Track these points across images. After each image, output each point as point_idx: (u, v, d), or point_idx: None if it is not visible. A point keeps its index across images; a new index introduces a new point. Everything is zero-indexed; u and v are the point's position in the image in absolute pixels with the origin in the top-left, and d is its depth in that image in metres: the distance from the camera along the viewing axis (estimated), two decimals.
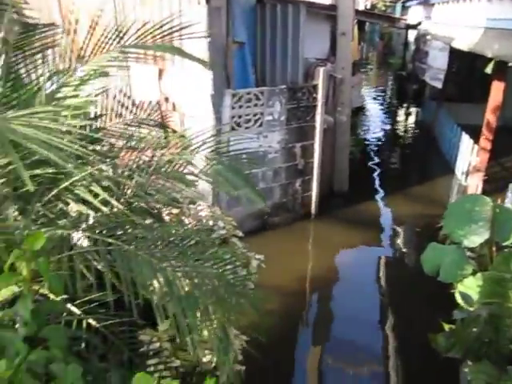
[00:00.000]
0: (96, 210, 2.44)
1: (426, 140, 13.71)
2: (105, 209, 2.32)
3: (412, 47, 18.37)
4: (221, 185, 2.61)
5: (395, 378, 5.42)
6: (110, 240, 2.32)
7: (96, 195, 2.75)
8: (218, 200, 7.11)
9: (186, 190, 3.37)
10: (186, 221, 3.87)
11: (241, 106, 7.21)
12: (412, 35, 18.32)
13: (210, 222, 3.81)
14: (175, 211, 4.00)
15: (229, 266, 3.08)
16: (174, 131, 3.53)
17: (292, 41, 8.43)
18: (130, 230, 2.88)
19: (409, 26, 15.36)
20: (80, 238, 3.26)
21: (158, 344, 3.27)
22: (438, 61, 11.68)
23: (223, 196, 7.26)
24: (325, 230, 8.51)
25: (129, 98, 3.96)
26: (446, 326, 4.95)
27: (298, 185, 8.31)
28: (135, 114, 3.74)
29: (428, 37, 13.08)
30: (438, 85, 11.69)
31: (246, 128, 7.30)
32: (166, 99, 7.04)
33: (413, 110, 17.30)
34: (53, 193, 2.37)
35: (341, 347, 5.83)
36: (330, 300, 7.07)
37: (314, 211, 8.61)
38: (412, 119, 16.70)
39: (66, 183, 2.29)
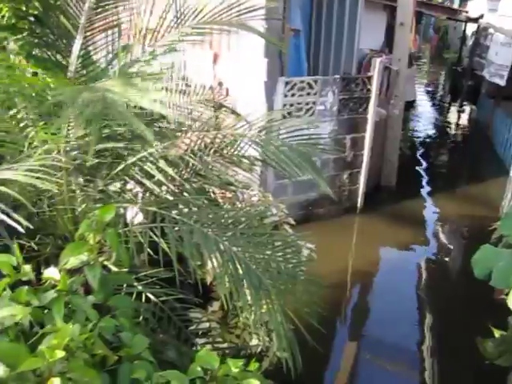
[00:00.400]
0: (160, 186, 2.48)
1: (479, 139, 13.15)
2: (171, 186, 2.34)
3: (470, 41, 17.57)
4: (287, 167, 2.58)
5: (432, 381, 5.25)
6: (176, 216, 2.34)
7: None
8: (265, 187, 7.10)
9: (243, 174, 3.38)
10: (239, 205, 3.87)
11: (293, 95, 7.14)
12: (470, 29, 17.50)
13: (262, 208, 3.80)
14: (228, 195, 4.02)
15: (280, 253, 3.07)
16: (238, 114, 3.52)
17: (348, 30, 8.25)
18: (185, 210, 2.92)
19: (469, 19, 14.67)
20: (135, 215, 3.34)
21: (207, 324, 3.32)
22: (500, 56, 11.10)
23: (270, 184, 7.24)
24: (369, 225, 8.34)
25: (184, 80, 4.00)
26: (497, 333, 4.75)
27: (345, 177, 8.18)
28: (195, 95, 3.76)
29: (490, 30, 12.44)
30: (500, 82, 11.12)
31: (298, 117, 7.22)
32: (220, 84, 7.06)
33: (466, 107, 16.61)
34: (120, 167, 2.42)
35: (377, 345, 5.70)
36: (369, 297, 6.95)
37: (360, 205, 8.46)
38: (465, 117, 16.04)
39: (134, 158, 2.33)
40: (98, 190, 2.68)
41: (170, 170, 2.30)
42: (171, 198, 2.96)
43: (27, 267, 1.95)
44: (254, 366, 1.87)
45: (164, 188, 3.06)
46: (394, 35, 8.92)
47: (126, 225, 3.17)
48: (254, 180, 6.88)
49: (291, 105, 7.20)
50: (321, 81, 7.31)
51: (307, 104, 7.32)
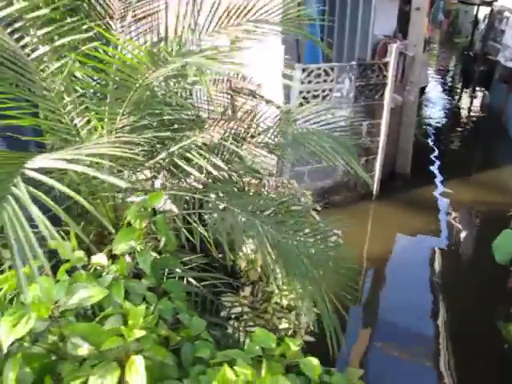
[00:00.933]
0: (206, 173, 2.53)
1: (493, 125, 13.05)
2: (215, 172, 2.39)
3: (482, 25, 17.34)
4: (326, 155, 2.61)
5: (447, 367, 5.27)
6: (219, 202, 2.38)
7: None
8: (282, 175, 7.13)
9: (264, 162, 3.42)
10: (265, 192, 3.92)
11: (310, 82, 7.12)
12: (483, 12, 17.27)
13: (291, 195, 3.85)
14: (253, 182, 4.06)
15: (310, 239, 3.11)
16: (272, 102, 3.55)
17: (362, 15, 8.18)
18: (215, 197, 2.97)
19: (483, 2, 14.47)
20: (163, 203, 3.40)
21: (239, 308, 3.39)
22: None
23: (287, 171, 7.27)
24: (385, 211, 8.37)
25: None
26: None
27: (361, 164, 8.18)
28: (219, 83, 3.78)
29: (506, 13, 12.28)
30: None
31: (315, 104, 7.20)
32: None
33: (479, 92, 16.45)
34: (162, 155, 2.46)
35: (390, 330, 5.75)
36: (384, 282, 6.98)
37: (376, 192, 8.48)
38: (478, 102, 15.90)
39: (176, 147, 2.37)
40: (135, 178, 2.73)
41: (214, 158, 2.35)
42: (201, 186, 3.01)
43: (81, 253, 2.01)
44: (294, 342, 1.85)
45: (193, 177, 3.12)
46: (406, 20, 8.84)
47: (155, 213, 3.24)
48: (272, 168, 6.93)
49: (307, 92, 7.19)
50: (337, 68, 7.29)
51: (323, 91, 7.32)
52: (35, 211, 1.13)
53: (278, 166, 7.16)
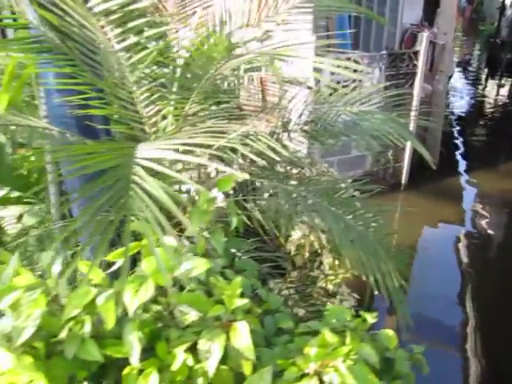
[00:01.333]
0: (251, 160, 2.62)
1: None
2: (263, 162, 2.49)
3: (509, 11, 17.00)
4: (387, 135, 2.69)
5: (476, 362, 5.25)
6: (289, 187, 2.48)
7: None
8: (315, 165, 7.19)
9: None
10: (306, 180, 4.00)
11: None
12: None
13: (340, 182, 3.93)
14: (295, 171, 4.15)
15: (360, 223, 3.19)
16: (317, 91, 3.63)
17: (390, 3, 8.15)
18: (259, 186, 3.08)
19: None
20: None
21: (286, 292, 3.50)
22: None
23: (317, 162, 7.32)
24: (414, 201, 8.37)
25: None
26: None
27: (390, 154, 8.20)
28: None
29: None
30: None
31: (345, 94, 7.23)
32: None
33: (506, 81, 16.16)
34: (220, 143, 2.56)
35: (417, 318, 5.72)
36: (412, 272, 6.98)
37: (404, 182, 8.48)
38: (505, 91, 15.63)
39: (235, 134, 2.46)
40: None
41: (274, 144, 2.44)
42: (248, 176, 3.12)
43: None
44: (370, 316, 1.86)
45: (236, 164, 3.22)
46: (432, 8, 8.76)
47: None
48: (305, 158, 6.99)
49: (337, 82, 7.21)
50: (367, 57, 7.29)
51: (354, 81, 7.32)
52: (164, 197, 1.24)
53: (309, 156, 7.22)
